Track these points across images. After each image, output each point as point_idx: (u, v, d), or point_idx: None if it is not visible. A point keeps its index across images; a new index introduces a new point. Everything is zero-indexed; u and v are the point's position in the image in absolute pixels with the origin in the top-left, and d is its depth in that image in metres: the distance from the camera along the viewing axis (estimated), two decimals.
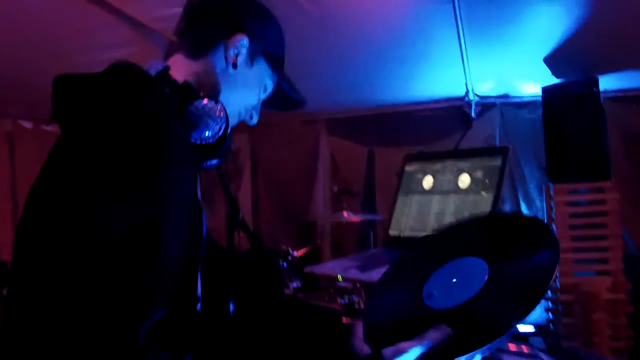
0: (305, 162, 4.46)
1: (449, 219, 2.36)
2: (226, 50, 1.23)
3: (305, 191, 4.39)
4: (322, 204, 4.34)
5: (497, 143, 4.27)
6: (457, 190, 2.46)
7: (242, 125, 1.38)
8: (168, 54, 1.26)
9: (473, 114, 4.33)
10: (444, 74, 4.16)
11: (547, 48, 3.59)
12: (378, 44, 3.93)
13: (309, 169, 4.44)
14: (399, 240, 2.54)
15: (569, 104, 3.51)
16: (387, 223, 2.63)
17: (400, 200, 2.66)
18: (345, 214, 3.45)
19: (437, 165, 2.60)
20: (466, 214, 2.31)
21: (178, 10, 1.36)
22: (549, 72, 3.83)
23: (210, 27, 1.25)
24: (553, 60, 3.65)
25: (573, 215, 3.29)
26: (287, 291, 3.12)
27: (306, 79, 4.15)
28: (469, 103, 4.31)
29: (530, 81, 4.10)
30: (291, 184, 4.41)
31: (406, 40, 3.88)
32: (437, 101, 4.40)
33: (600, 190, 3.29)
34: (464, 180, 2.44)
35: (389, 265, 1.37)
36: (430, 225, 2.43)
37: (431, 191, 2.57)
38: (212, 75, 1.22)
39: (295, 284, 3.16)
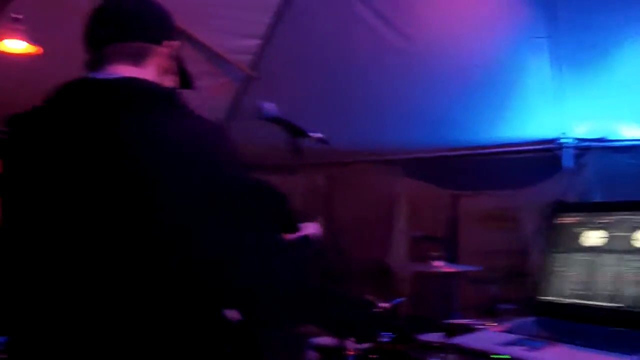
0: (381, 205, 4.21)
1: (630, 286, 1.96)
2: None
3: (382, 236, 4.13)
4: (400, 251, 4.06)
5: (593, 191, 3.89)
6: (632, 249, 2.03)
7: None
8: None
9: (566, 159, 3.98)
10: (535, 115, 3.88)
11: None
12: (466, 81, 3.72)
13: (385, 213, 4.19)
14: (561, 307, 2.12)
15: None
16: (534, 285, 2.21)
17: (555, 258, 2.25)
18: (434, 262, 3.14)
19: (604, 219, 2.17)
20: None
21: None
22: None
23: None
24: None
25: None
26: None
27: (383, 117, 4.00)
28: (561, 146, 3.97)
29: (633, 123, 3.74)
30: (366, 227, 4.16)
31: (496, 78, 3.68)
32: (526, 143, 4.08)
33: None
34: None
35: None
36: (606, 293, 2.01)
37: (597, 249, 2.13)
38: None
39: (385, 338, 2.89)
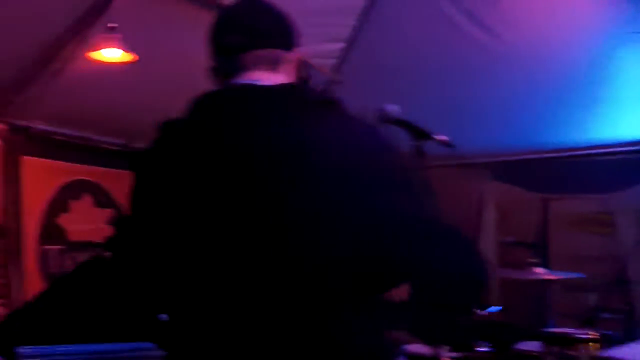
0: (469, 210, 4.10)
1: None
2: None
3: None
4: (489, 257, 3.94)
5: None
6: None
7: None
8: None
9: None
10: (628, 114, 3.70)
11: None
12: (555, 81, 3.59)
13: (473, 218, 4.07)
14: None
15: None
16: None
17: None
18: (534, 269, 3.02)
19: None
20: None
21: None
22: None
23: None
24: None
25: None
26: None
27: (468, 118, 3.89)
28: None
29: None
30: None
31: (587, 76, 3.52)
32: (619, 144, 3.90)
33: None
34: None
35: None
36: None
37: None
38: None
39: (482, 348, 2.78)
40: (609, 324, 3.09)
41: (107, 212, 4.12)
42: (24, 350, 1.36)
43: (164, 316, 1.19)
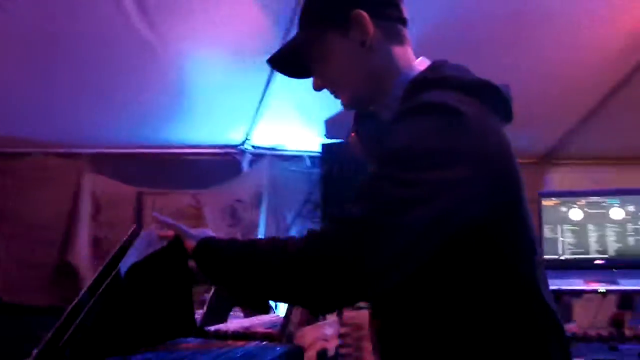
0: (64, 201, 3.93)
1: None
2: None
3: (64, 234, 3.85)
4: (84, 249, 3.85)
5: (266, 192, 4.38)
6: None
7: None
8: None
9: (245, 163, 4.39)
10: (221, 121, 4.15)
11: (329, 112, 3.90)
12: (158, 82, 3.75)
13: (68, 210, 3.92)
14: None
15: (346, 159, 3.84)
16: None
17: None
18: None
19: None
20: None
21: None
22: (318, 131, 4.13)
23: None
24: (332, 123, 3.97)
25: None
26: None
27: (69, 105, 3.74)
28: (242, 152, 4.37)
29: (300, 137, 4.34)
30: (45, 226, 3.83)
31: (189, 83, 3.77)
32: (212, 147, 4.35)
33: None
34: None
35: None
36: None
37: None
38: None
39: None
40: None
41: None
42: None
43: None
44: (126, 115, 3.81)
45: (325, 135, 4.12)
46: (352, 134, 1.30)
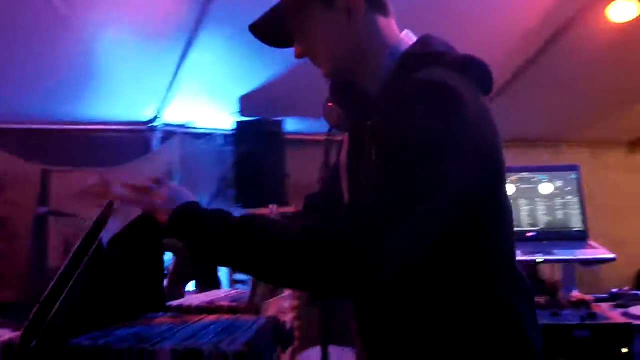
0: None
1: None
2: None
3: None
4: None
5: (178, 171, 4.35)
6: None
7: None
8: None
9: (155, 141, 4.34)
10: (128, 97, 4.07)
11: (244, 89, 3.93)
12: (67, 58, 3.62)
13: None
14: None
15: (260, 139, 3.90)
16: None
17: None
18: None
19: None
20: None
21: None
22: (232, 108, 4.15)
23: None
24: (247, 100, 4.00)
25: None
26: None
27: None
28: (152, 130, 4.31)
29: (213, 114, 4.35)
30: None
31: (97, 59, 3.67)
32: (122, 124, 4.26)
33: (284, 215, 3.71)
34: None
35: None
36: None
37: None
38: None
39: None
40: None
41: None
42: None
43: None
44: (32, 89, 3.66)
45: (239, 112, 4.14)
46: (329, 104, 1.23)
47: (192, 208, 1.12)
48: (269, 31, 1.28)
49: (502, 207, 1.14)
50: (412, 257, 1.00)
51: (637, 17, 3.54)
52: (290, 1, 1.22)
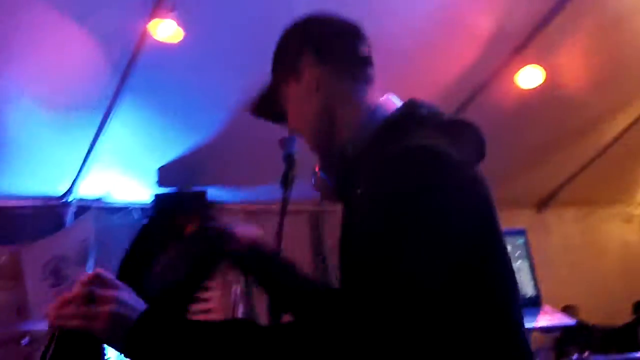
0: None
1: None
2: None
3: None
4: None
5: (93, 247, 4.15)
6: None
7: None
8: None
9: (69, 216, 4.14)
10: (40, 172, 3.91)
11: (163, 160, 3.85)
12: None
13: None
14: None
15: (180, 210, 3.79)
16: None
17: None
18: None
19: None
20: None
21: None
22: (149, 181, 4.04)
23: None
24: (165, 170, 3.91)
25: None
26: None
27: None
28: (65, 204, 4.12)
29: (130, 187, 4.21)
30: None
31: (12, 133, 3.52)
32: (32, 199, 4.05)
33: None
34: None
35: None
36: None
37: None
38: None
39: None
40: None
41: None
42: None
43: None
44: None
45: (157, 183, 4.03)
46: (319, 175, 1.24)
47: (152, 325, 0.95)
48: (265, 111, 1.33)
49: (498, 277, 1.10)
50: (416, 337, 0.96)
51: (542, 83, 3.78)
52: (271, 80, 1.28)
